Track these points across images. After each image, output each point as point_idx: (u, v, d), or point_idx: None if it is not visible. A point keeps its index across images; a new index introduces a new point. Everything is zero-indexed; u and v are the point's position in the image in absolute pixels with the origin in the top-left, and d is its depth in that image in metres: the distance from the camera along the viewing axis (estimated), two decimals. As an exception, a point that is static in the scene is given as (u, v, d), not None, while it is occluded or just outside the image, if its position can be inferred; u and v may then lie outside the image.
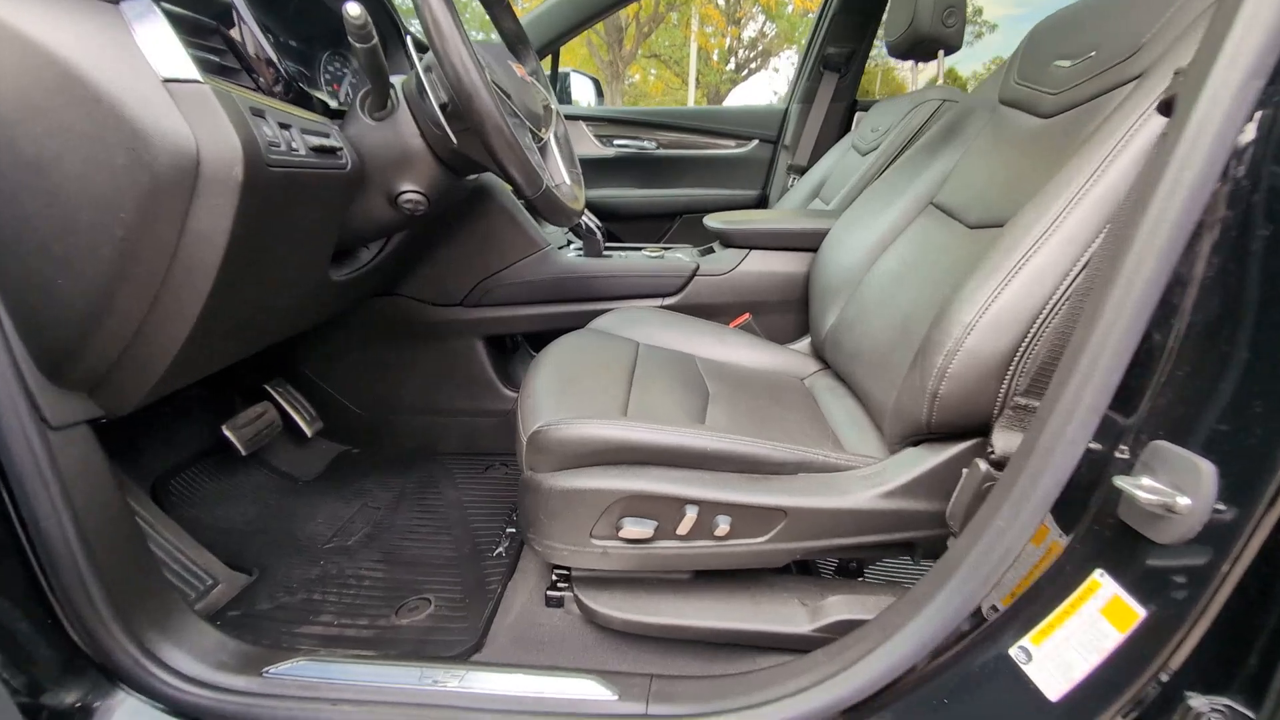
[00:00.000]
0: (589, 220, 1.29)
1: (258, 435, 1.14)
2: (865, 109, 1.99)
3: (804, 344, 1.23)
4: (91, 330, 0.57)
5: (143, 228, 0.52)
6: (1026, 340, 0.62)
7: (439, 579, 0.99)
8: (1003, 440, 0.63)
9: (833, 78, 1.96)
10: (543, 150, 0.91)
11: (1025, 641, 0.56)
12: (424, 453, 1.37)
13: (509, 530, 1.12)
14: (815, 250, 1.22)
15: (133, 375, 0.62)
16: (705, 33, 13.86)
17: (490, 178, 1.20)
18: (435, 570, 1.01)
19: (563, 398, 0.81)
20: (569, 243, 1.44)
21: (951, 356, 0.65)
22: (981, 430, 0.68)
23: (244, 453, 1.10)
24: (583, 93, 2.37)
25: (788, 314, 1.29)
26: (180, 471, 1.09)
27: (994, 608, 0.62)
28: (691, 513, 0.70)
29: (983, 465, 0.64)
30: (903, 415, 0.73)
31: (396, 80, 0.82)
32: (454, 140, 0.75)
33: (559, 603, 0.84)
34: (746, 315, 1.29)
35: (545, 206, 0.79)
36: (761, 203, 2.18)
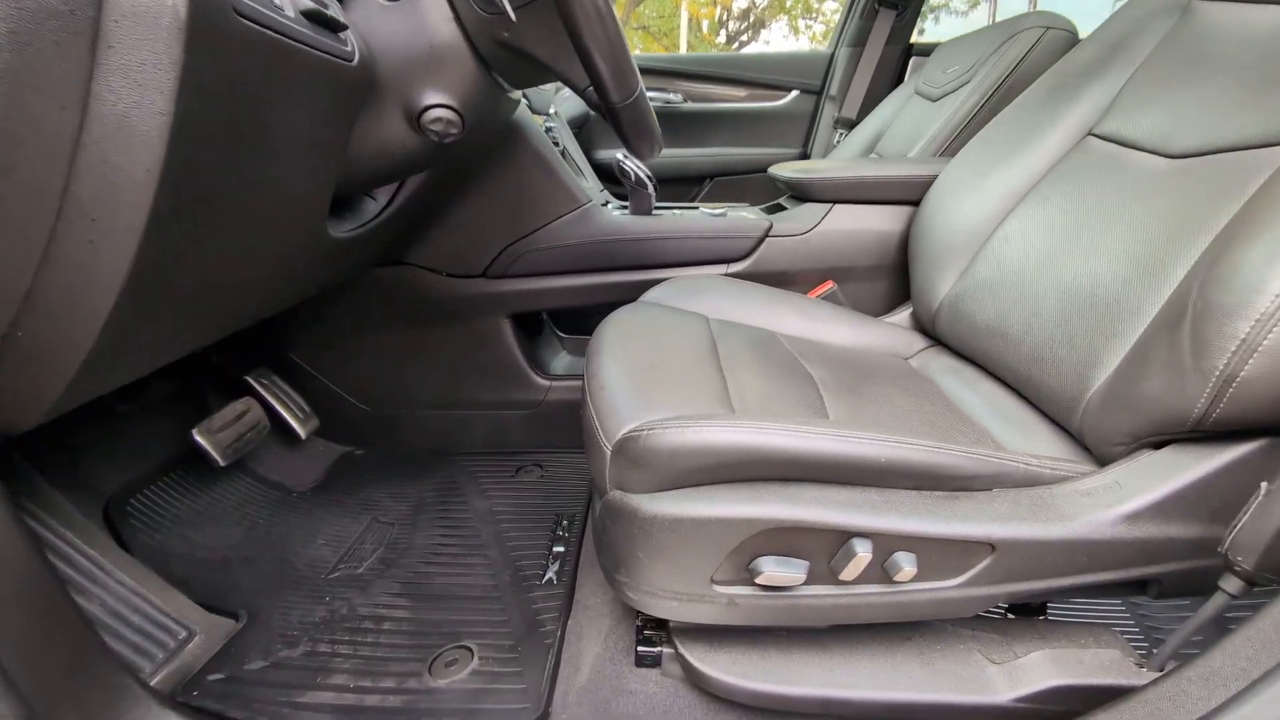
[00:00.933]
0: (639, 169, 1.06)
1: (239, 440, 0.91)
2: (924, 53, 1.76)
3: (901, 317, 1.03)
4: None
5: (8, 108, 0.29)
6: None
7: (479, 619, 0.78)
8: (1338, 444, 0.43)
9: (889, 16, 1.72)
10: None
11: None
12: (441, 454, 1.15)
13: (556, 549, 0.91)
14: (916, 203, 1.01)
15: (31, 371, 0.40)
16: (696, 2, 13.38)
17: (521, 112, 0.96)
18: (472, 606, 0.81)
19: (649, 390, 0.60)
20: (606, 203, 1.22)
21: (1271, 322, 0.44)
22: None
23: (222, 462, 0.87)
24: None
25: (879, 281, 1.08)
26: (141, 489, 0.86)
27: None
28: (863, 550, 0.50)
29: (1300, 479, 0.44)
30: (1143, 406, 0.53)
31: None
32: (513, 18, 0.53)
33: (654, 661, 0.64)
34: (830, 283, 1.07)
35: (632, 120, 0.56)
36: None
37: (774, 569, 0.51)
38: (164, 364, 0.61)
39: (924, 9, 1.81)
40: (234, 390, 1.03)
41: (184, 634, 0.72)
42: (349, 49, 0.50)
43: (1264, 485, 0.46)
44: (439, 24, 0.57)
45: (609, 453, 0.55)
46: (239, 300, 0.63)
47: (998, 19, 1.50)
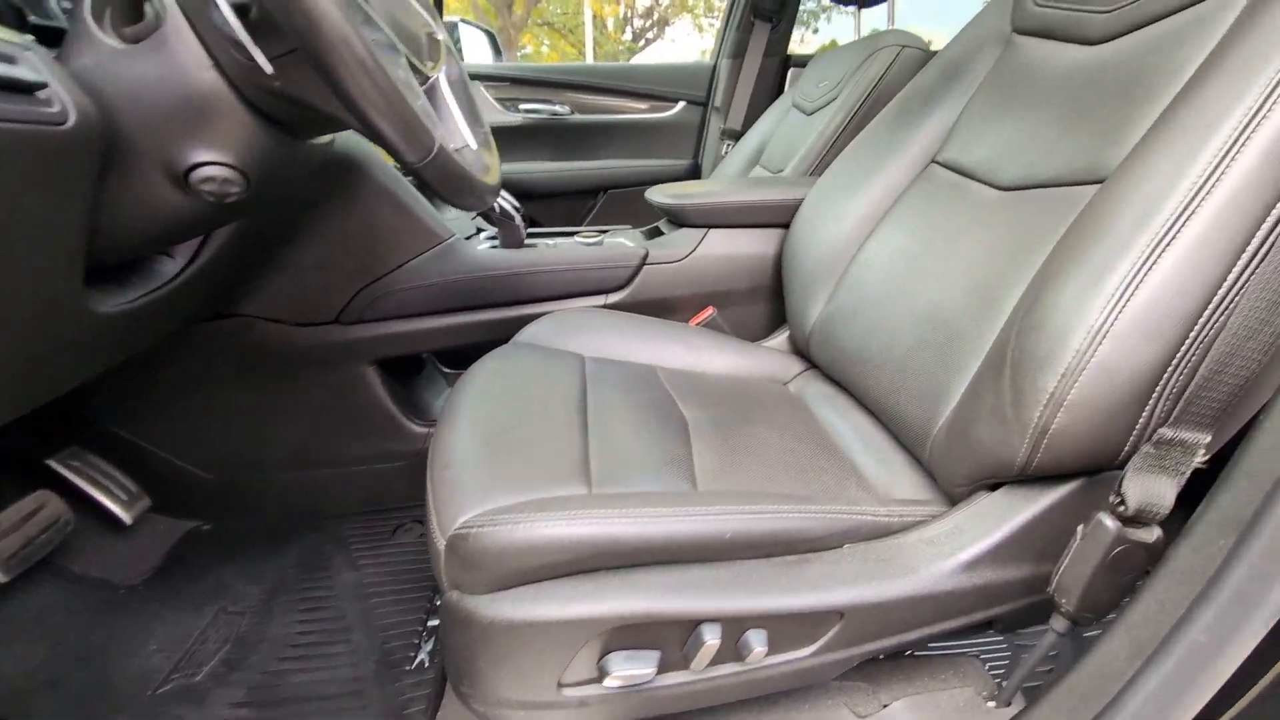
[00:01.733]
0: (505, 201, 1.00)
1: (29, 545, 0.77)
2: (801, 65, 1.80)
3: (780, 340, 1.03)
4: None
5: None
6: (1185, 347, 0.43)
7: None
8: (1140, 488, 0.45)
9: (764, 28, 1.74)
10: (430, 95, 0.62)
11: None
12: (306, 519, 1.03)
13: (431, 624, 0.84)
14: (787, 225, 1.01)
15: None
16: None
17: (358, 142, 0.87)
18: (328, 707, 0.72)
19: (495, 467, 0.55)
20: (479, 231, 1.14)
21: (1074, 377, 0.45)
22: (1095, 469, 0.50)
23: (4, 577, 0.73)
24: (476, 49, 2.00)
25: (758, 304, 1.08)
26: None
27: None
28: (712, 637, 0.47)
29: (1109, 522, 0.46)
30: (976, 452, 0.54)
31: None
32: (268, 70, 0.45)
33: (517, 761, 0.59)
34: (710, 309, 1.06)
35: (440, 179, 0.50)
36: (694, 173, 1.95)
37: (623, 666, 0.47)
38: None
39: (815, 10, 1.85)
40: (32, 480, 0.87)
41: (-56, 806, 0.59)
42: (56, 109, 0.41)
43: (1080, 529, 0.47)
44: (194, 71, 0.48)
45: (442, 549, 0.49)
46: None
47: (864, 33, 1.55)
